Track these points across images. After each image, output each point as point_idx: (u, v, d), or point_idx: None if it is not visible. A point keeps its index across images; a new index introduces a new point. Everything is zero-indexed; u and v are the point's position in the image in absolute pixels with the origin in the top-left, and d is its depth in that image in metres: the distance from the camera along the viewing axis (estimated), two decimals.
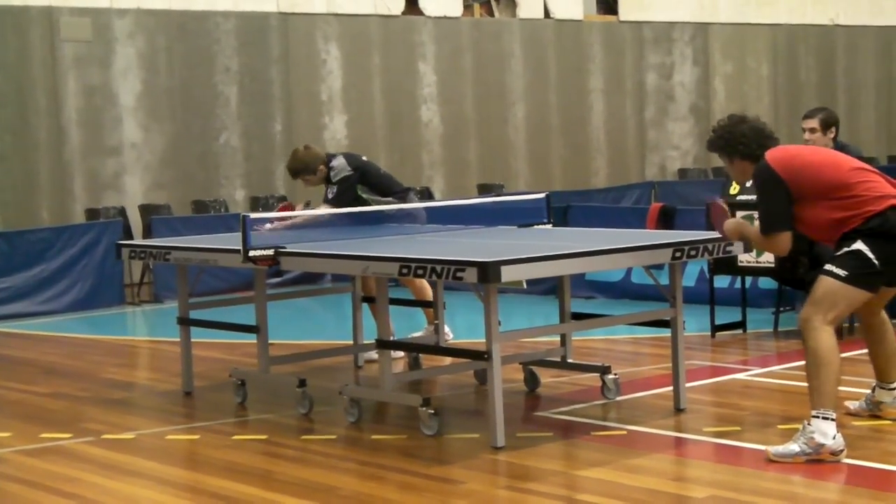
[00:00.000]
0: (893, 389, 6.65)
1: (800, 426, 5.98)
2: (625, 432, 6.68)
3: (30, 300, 12.76)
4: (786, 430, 6.49)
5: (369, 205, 8.87)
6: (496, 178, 18.01)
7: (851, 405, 6.80)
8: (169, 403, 8.12)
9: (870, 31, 22.59)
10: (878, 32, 22.71)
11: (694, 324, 9.20)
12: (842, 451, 5.88)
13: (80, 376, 9.22)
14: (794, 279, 9.20)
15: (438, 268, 6.27)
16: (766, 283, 10.15)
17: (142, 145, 15.50)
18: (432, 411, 6.75)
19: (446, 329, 9.04)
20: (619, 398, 7.46)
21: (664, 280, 7.30)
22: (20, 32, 14.73)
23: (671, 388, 7.18)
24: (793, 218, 6.13)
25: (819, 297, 6.04)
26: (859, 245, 6.00)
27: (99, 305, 13.02)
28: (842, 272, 6.00)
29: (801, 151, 6.39)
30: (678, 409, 7.08)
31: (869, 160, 11.77)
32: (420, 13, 17.81)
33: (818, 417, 5.87)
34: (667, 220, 11.74)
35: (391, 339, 7.45)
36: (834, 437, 5.86)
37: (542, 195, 8.57)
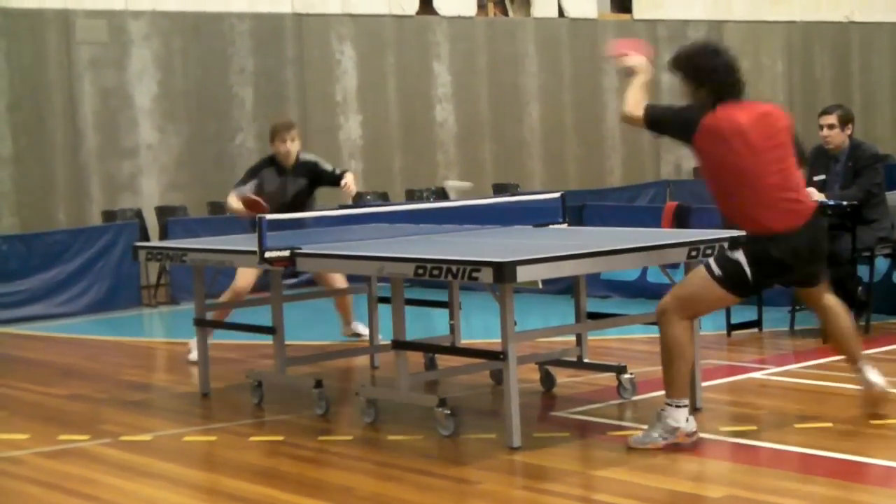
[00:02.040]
0: (861, 369, 6.57)
1: (816, 424, 5.98)
2: (641, 432, 6.67)
3: (47, 302, 12.79)
4: (803, 428, 6.48)
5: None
6: (511, 178, 18.01)
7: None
8: (186, 405, 8.14)
9: (885, 27, 22.51)
10: (893, 29, 22.63)
11: (710, 323, 9.17)
12: (694, 432, 6.21)
13: (97, 378, 9.25)
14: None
15: (454, 268, 6.27)
16: None
17: (158, 147, 15.54)
18: (448, 412, 6.76)
19: (361, 328, 9.93)
20: (635, 398, 7.46)
21: (680, 279, 7.29)
22: (36, 35, 14.78)
23: None
24: (667, 130, 6.39)
25: (685, 289, 6.28)
26: (738, 256, 6.17)
27: (116, 307, 13.05)
28: (717, 270, 6.20)
29: (747, 128, 6.12)
30: (694, 409, 7.06)
31: (884, 157, 11.77)
32: (434, 13, 17.81)
33: (671, 406, 6.20)
34: (682, 218, 11.72)
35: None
36: (687, 420, 6.19)
37: (557, 195, 8.57)
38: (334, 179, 9.32)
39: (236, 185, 9.39)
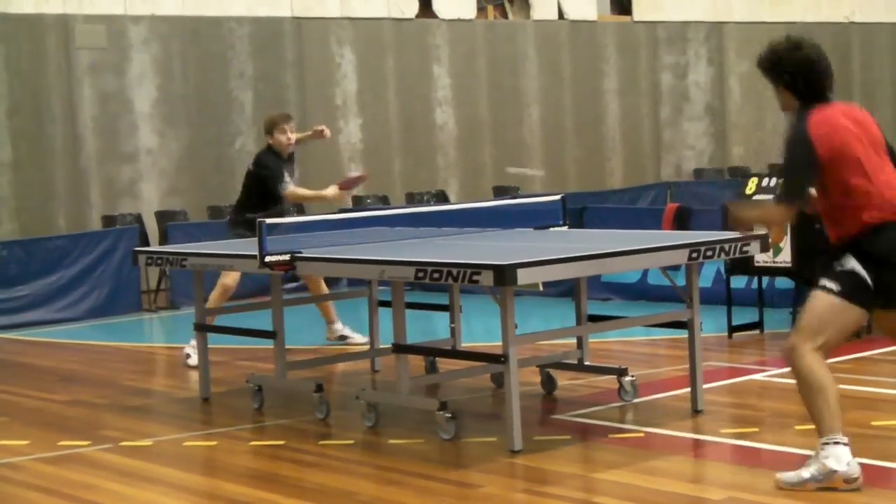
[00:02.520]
0: None
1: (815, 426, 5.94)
2: (642, 434, 6.66)
3: (47, 308, 12.78)
4: (804, 430, 6.46)
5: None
6: (512, 181, 18.00)
7: None
8: (186, 410, 8.13)
9: (885, 28, 22.51)
10: (894, 29, 22.63)
11: (711, 324, 9.17)
12: (856, 478, 5.45)
13: (98, 383, 9.24)
14: (811, 278, 9.15)
15: (455, 271, 6.26)
16: (783, 282, 10.11)
17: (157, 151, 15.54)
18: (449, 415, 6.75)
19: (349, 332, 9.97)
20: (636, 400, 7.45)
21: (681, 281, 7.29)
22: (35, 40, 14.78)
23: (688, 389, 7.16)
24: (804, 193, 5.56)
25: (809, 317, 5.59)
26: (850, 262, 5.53)
27: (116, 312, 13.04)
28: (834, 287, 5.54)
29: (847, 127, 5.59)
30: (696, 411, 7.06)
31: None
32: (434, 16, 17.81)
33: (829, 444, 5.46)
34: (682, 220, 11.71)
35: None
36: (848, 464, 5.44)
37: (557, 197, 8.56)
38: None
39: (282, 181, 9.54)
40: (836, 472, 5.43)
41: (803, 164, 5.55)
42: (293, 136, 9.68)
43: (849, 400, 7.05)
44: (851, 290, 5.48)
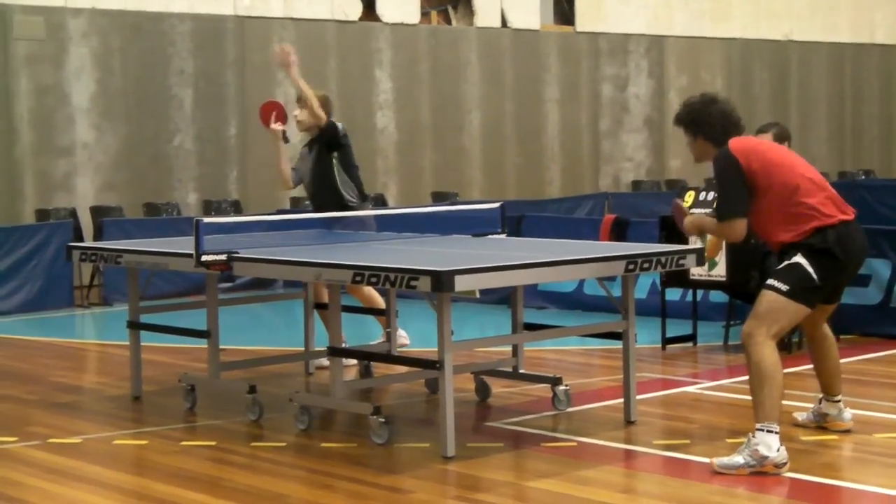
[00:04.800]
0: (838, 402, 6.75)
1: (746, 439, 6.02)
2: (575, 444, 6.68)
3: None
4: (734, 443, 6.51)
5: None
6: (450, 187, 18.02)
7: (799, 416, 6.88)
8: (117, 408, 8.05)
9: (822, 47, 22.81)
10: (831, 49, 22.94)
11: (645, 336, 9.23)
12: (785, 463, 5.95)
13: (27, 379, 9.12)
14: (745, 293, 9.26)
15: (392, 276, 6.25)
16: (717, 296, 10.21)
17: (94, 146, 15.38)
18: (383, 420, 6.74)
19: (403, 333, 9.04)
20: (569, 409, 7.47)
21: (616, 292, 7.33)
22: None
23: (622, 399, 7.20)
24: (748, 206, 6.20)
25: (762, 311, 6.13)
26: (799, 259, 6.11)
27: (48, 307, 12.89)
28: (783, 286, 6.10)
29: (761, 146, 6.40)
30: (628, 422, 7.10)
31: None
32: (377, 19, 17.79)
33: (763, 430, 5.96)
34: (620, 231, 11.78)
35: (343, 346, 7.41)
36: (777, 450, 5.94)
37: (496, 205, 8.58)
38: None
39: (353, 170, 9.10)
40: (767, 457, 5.90)
41: (738, 183, 6.17)
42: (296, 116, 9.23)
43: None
44: (797, 289, 6.07)
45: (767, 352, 6.05)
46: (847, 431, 6.72)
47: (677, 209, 6.86)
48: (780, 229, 6.21)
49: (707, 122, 6.35)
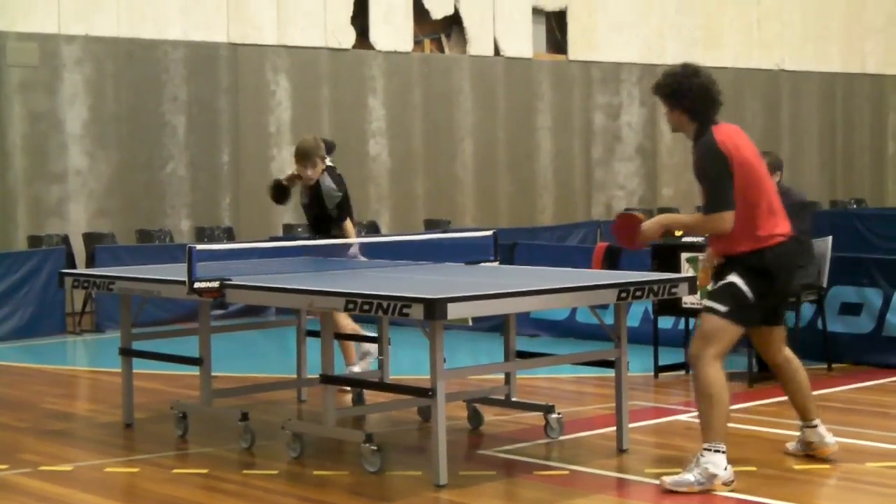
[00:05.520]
0: (816, 426, 6.70)
1: (742, 468, 6.02)
2: (567, 472, 6.68)
3: None
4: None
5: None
6: (443, 214, 18.04)
7: (789, 446, 6.88)
8: (109, 435, 8.02)
9: (814, 76, 22.90)
10: (822, 78, 23.03)
11: (638, 364, 9.23)
12: (732, 481, 6.06)
13: (18, 406, 9.09)
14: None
15: (385, 304, 6.25)
16: None
17: (87, 173, 15.38)
18: (375, 447, 6.72)
19: (369, 348, 9.13)
20: (562, 437, 7.46)
21: (609, 320, 7.33)
22: None
23: (614, 428, 7.19)
24: (731, 202, 6.19)
25: (705, 333, 6.23)
26: (734, 278, 6.20)
27: (39, 334, 12.86)
28: (721, 308, 6.20)
29: (745, 145, 6.35)
30: (621, 450, 7.10)
31: (811, 204, 11.94)
32: (370, 47, 17.84)
33: (710, 450, 6.07)
34: (612, 260, 11.76)
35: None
36: (725, 468, 6.05)
37: (489, 232, 8.60)
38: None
39: (347, 208, 9.22)
40: (716, 475, 6.03)
41: (724, 175, 6.19)
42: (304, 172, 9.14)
43: (771, 443, 7.14)
44: (734, 308, 6.17)
45: (713, 373, 6.14)
46: (833, 457, 6.68)
47: (626, 219, 6.65)
48: (728, 239, 6.24)
49: (687, 95, 6.31)
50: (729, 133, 6.31)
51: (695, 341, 6.28)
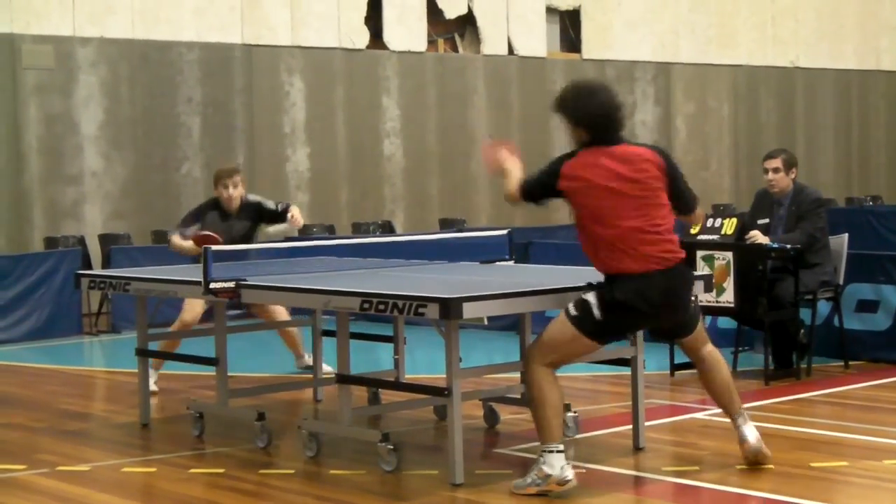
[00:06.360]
0: (739, 425, 6.54)
1: (761, 467, 6.00)
2: (583, 471, 6.66)
3: None
4: (744, 469, 6.50)
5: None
6: (458, 213, 18.04)
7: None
8: (125, 435, 8.04)
9: (829, 73, 22.85)
10: (837, 75, 22.97)
11: (653, 362, 9.20)
12: (568, 480, 6.06)
13: (35, 407, 9.12)
14: (753, 319, 9.26)
15: (400, 303, 6.26)
16: (725, 322, 10.18)
17: (102, 174, 15.43)
18: (391, 447, 6.73)
19: (328, 369, 9.08)
20: (577, 436, 7.46)
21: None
22: None
23: (630, 426, 7.19)
24: (541, 194, 6.48)
25: (545, 339, 6.27)
26: (590, 297, 6.21)
27: (56, 335, 12.90)
28: (572, 311, 6.23)
29: (595, 183, 6.32)
30: (637, 448, 7.09)
31: (827, 202, 11.91)
32: (384, 47, 17.86)
33: (546, 451, 6.11)
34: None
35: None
36: (561, 468, 6.06)
37: (504, 232, 8.59)
38: (278, 216, 9.30)
39: (178, 227, 9.35)
40: (550, 475, 6.06)
41: (545, 176, 6.47)
42: (235, 192, 9.33)
43: (788, 441, 7.12)
44: (586, 323, 6.16)
45: (542, 376, 6.17)
46: (747, 455, 6.48)
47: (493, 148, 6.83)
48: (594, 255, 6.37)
49: (588, 113, 6.36)
50: (591, 156, 6.34)
51: (533, 343, 6.34)
